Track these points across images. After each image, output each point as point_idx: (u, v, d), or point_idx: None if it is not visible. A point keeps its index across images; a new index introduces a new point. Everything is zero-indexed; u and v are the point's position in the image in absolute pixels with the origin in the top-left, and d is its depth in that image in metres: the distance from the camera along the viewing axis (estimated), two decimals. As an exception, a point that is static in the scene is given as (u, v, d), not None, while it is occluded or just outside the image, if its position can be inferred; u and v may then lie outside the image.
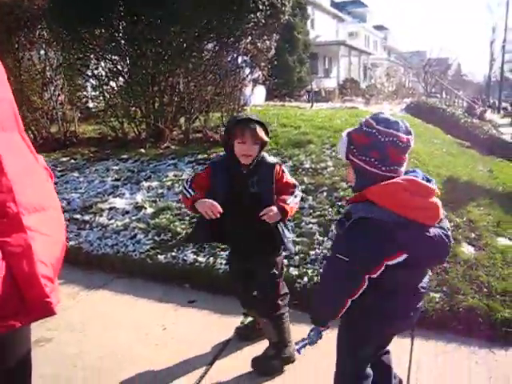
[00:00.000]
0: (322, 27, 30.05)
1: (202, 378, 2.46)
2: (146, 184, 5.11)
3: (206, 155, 5.74)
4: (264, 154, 2.38)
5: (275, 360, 2.48)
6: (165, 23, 6.09)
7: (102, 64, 6.85)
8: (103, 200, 4.86)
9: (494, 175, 6.13)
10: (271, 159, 2.39)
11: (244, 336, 2.79)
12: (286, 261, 3.43)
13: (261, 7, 6.24)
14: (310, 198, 4.31)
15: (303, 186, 4.44)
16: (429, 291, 2.95)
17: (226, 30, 6.31)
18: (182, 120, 7.09)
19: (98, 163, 6.05)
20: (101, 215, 4.56)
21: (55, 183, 1.48)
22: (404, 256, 1.56)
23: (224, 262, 3.50)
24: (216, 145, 6.02)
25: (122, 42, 6.69)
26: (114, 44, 6.65)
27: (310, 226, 3.89)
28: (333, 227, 3.81)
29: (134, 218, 4.42)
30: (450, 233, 1.62)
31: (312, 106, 13.35)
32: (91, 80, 7.17)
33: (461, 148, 8.76)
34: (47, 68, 7.48)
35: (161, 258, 3.75)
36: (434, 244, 1.56)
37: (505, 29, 31.98)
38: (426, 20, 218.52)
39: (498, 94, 32.70)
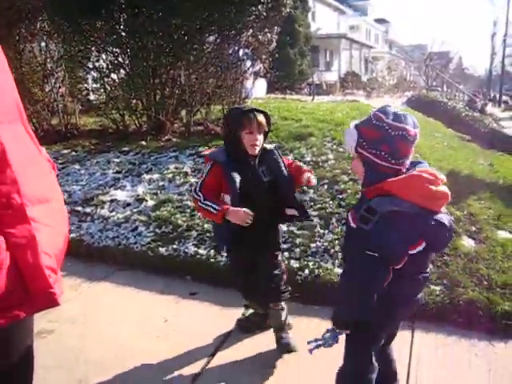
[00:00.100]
0: (323, 20, 29.89)
1: (203, 369, 2.48)
2: (147, 176, 5.12)
3: (207, 148, 5.73)
4: None
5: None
6: (166, 16, 6.06)
7: (103, 56, 6.83)
8: (104, 192, 4.87)
9: (494, 169, 6.12)
10: (269, 146, 2.46)
11: (245, 328, 2.81)
12: (286, 253, 3.46)
13: (262, 0, 6.21)
14: (311, 190, 4.30)
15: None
16: (429, 284, 2.97)
17: (228, 23, 6.29)
18: (183, 112, 7.08)
19: (99, 155, 6.04)
20: (102, 207, 4.57)
21: (56, 175, 1.48)
22: (424, 244, 1.62)
23: (225, 254, 3.51)
24: (217, 137, 6.01)
25: (123, 34, 6.67)
26: (115, 36, 6.63)
27: (311, 218, 3.89)
28: (334, 221, 3.83)
29: (135, 210, 4.43)
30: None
31: (313, 98, 13.30)
32: (92, 72, 7.17)
33: (461, 142, 8.76)
34: (48, 60, 7.47)
35: (162, 250, 3.76)
36: (447, 229, 1.63)
37: (506, 22, 31.78)
38: (428, 13, 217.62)
39: (499, 87, 32.61)
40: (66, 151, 6.42)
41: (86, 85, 7.78)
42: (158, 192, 4.73)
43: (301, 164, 2.47)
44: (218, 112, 7.14)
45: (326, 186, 4.38)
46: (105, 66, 6.86)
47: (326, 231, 3.71)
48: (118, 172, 5.38)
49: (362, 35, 37.63)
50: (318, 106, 8.79)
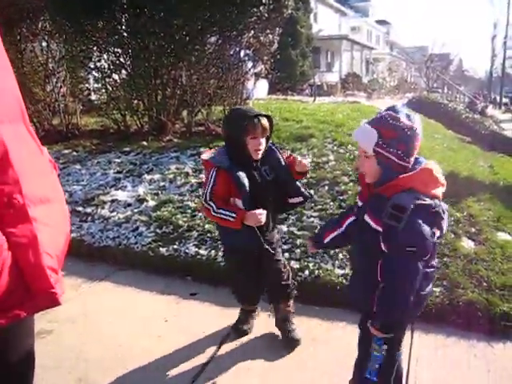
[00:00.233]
0: (324, 21, 29.92)
1: (202, 369, 2.48)
2: (148, 177, 5.13)
3: (208, 148, 5.73)
4: None
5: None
6: (167, 16, 6.07)
7: (105, 56, 6.83)
8: (105, 192, 4.87)
9: (494, 171, 6.13)
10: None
11: (239, 331, 2.79)
12: (287, 254, 3.46)
13: (264, 1, 6.24)
14: (312, 191, 4.30)
15: (305, 180, 4.45)
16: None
17: (229, 24, 6.30)
18: (185, 113, 7.09)
19: (100, 156, 6.05)
20: (103, 207, 4.58)
21: (58, 175, 1.48)
22: (439, 233, 1.68)
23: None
24: (218, 138, 6.01)
25: (125, 34, 6.68)
26: (116, 37, 6.64)
27: (312, 219, 3.90)
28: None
29: (135, 210, 4.44)
30: None
31: (314, 99, 13.33)
32: (94, 72, 7.17)
33: (462, 143, 8.76)
34: (49, 60, 7.47)
35: (163, 250, 3.77)
36: (446, 217, 1.70)
37: (506, 24, 31.78)
38: (429, 15, 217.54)
39: (499, 89, 32.60)
40: (66, 151, 6.42)
41: (87, 85, 7.79)
42: (159, 192, 4.74)
43: (294, 155, 2.51)
44: (219, 113, 7.15)
45: (326, 187, 4.39)
46: (106, 66, 6.86)
47: (326, 232, 3.71)
48: (118, 172, 5.39)
49: (363, 36, 37.64)
50: (319, 107, 8.81)
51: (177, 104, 6.91)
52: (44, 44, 7.55)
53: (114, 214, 4.44)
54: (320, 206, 4.07)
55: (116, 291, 3.43)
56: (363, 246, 1.81)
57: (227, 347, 2.68)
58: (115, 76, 6.98)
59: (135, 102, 7.00)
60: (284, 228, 3.76)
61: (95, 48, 6.81)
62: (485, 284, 3.04)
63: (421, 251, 1.62)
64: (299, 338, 2.64)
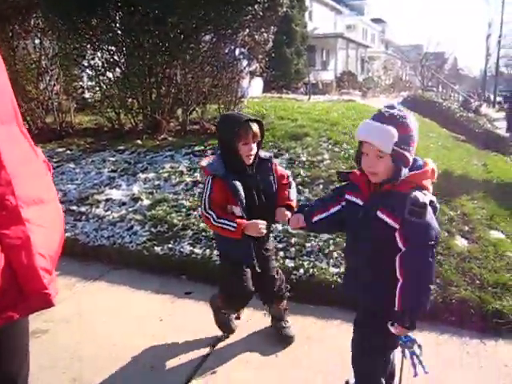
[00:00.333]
0: (319, 19, 29.89)
1: (198, 368, 2.49)
2: (142, 175, 5.12)
3: (202, 147, 5.74)
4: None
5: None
6: (162, 14, 6.05)
7: (99, 54, 6.80)
8: (99, 191, 4.86)
9: (488, 169, 6.17)
10: (264, 154, 2.45)
11: (226, 328, 2.76)
12: (282, 253, 3.47)
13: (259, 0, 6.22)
14: (307, 190, 4.32)
15: (299, 179, 4.47)
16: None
17: (224, 22, 6.29)
18: (179, 111, 7.08)
19: (95, 154, 6.03)
20: (97, 206, 4.56)
21: (51, 175, 1.48)
22: None
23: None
24: (213, 136, 6.00)
25: (119, 32, 6.65)
26: (110, 34, 6.61)
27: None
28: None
29: (130, 209, 4.43)
30: None
31: (309, 98, 13.32)
32: (87, 70, 7.13)
33: (456, 142, 8.81)
34: (42, 57, 7.42)
35: (157, 249, 3.77)
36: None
37: (501, 23, 32.01)
38: (424, 13, 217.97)
39: (493, 88, 32.76)
40: (60, 150, 6.40)
41: (81, 83, 7.75)
42: (154, 191, 4.73)
43: (287, 194, 2.43)
44: (214, 111, 7.15)
45: (321, 186, 4.39)
46: (100, 64, 6.83)
47: (321, 231, 3.72)
48: (113, 171, 5.38)
49: (359, 35, 37.64)
50: (313, 105, 8.81)
51: (171, 102, 6.89)
52: (37, 41, 7.49)
53: (109, 213, 4.43)
54: (314, 205, 4.07)
55: (110, 290, 3.42)
56: (375, 243, 1.75)
57: (222, 346, 2.68)
58: (109, 74, 6.95)
59: (129, 100, 6.98)
60: (279, 227, 3.76)
61: (89, 46, 6.77)
62: (478, 282, 3.07)
63: (436, 245, 1.68)
64: (293, 334, 2.68)
